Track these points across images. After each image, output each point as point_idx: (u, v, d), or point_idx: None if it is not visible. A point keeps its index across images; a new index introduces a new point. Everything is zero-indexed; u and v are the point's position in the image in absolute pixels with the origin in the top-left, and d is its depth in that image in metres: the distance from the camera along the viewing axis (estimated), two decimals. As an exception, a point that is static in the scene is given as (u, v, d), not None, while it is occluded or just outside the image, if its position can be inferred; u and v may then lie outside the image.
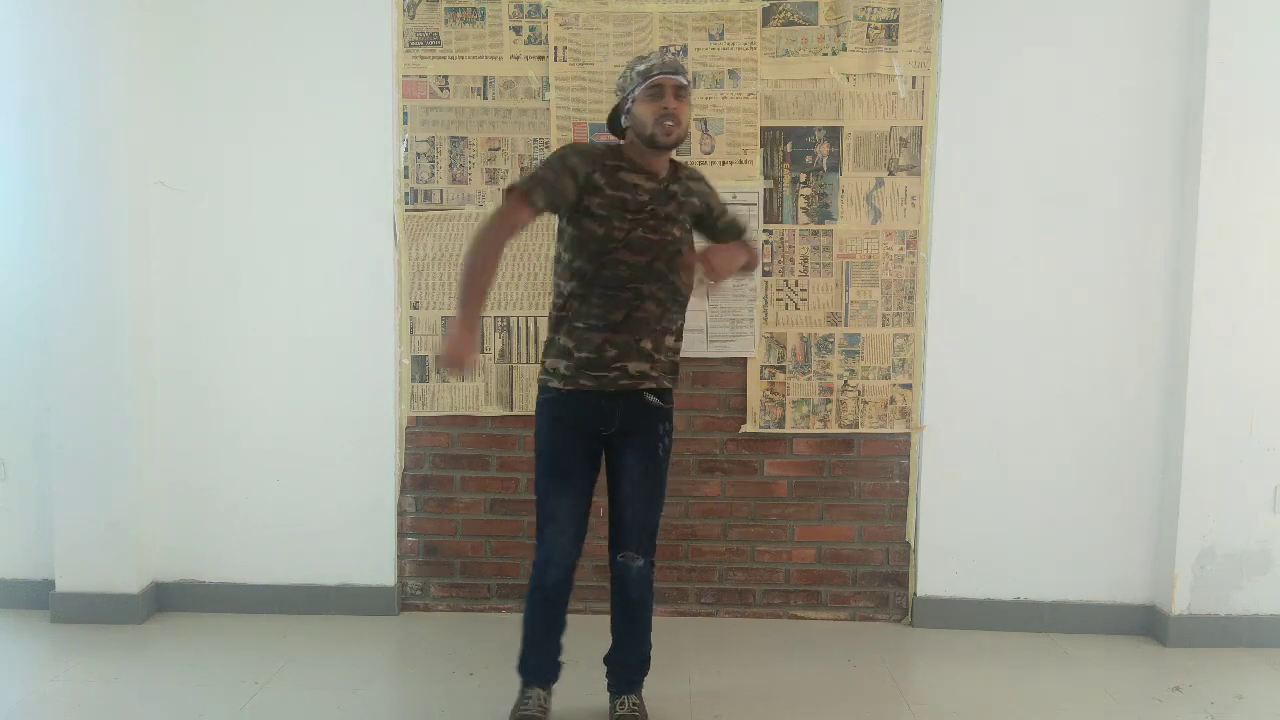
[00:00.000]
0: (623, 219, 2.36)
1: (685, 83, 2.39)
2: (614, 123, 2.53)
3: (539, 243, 3.34)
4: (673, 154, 2.50)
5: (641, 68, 2.38)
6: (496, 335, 3.41)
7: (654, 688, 2.73)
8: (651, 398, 2.48)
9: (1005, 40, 3.26)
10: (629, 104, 2.40)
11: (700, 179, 2.59)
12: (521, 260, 3.37)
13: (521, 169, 3.34)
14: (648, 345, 2.42)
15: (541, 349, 2.54)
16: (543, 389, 2.49)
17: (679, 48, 3.31)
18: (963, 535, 3.38)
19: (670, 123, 2.34)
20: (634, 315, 2.39)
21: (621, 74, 2.47)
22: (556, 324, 2.47)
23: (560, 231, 2.45)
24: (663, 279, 2.42)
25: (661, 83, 2.34)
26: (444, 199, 3.39)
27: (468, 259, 2.27)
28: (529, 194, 2.29)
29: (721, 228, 2.60)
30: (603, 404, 2.42)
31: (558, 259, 2.46)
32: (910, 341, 3.39)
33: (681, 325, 2.54)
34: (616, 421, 2.44)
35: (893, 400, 3.40)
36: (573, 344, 2.41)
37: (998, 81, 3.27)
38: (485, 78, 3.35)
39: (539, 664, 2.56)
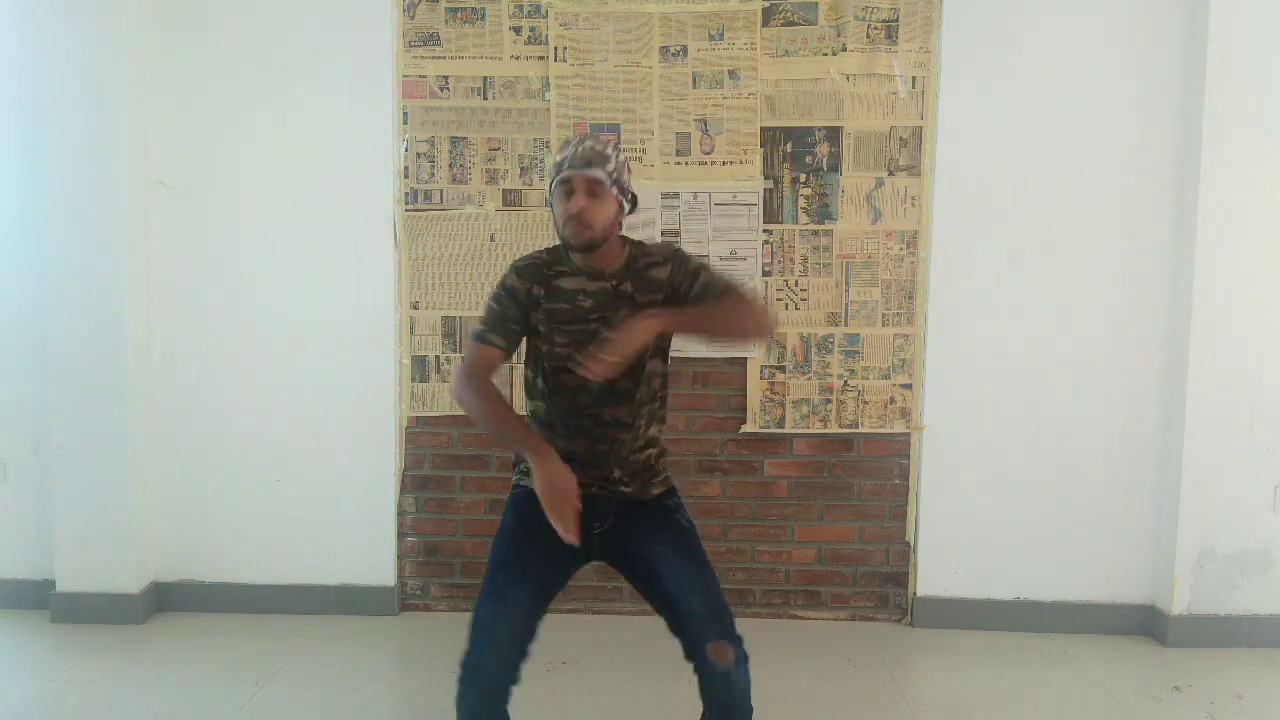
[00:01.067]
0: (564, 334, 2.04)
1: (601, 177, 2.00)
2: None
3: (540, 240, 3.34)
4: (625, 240, 2.13)
5: (557, 159, 2.06)
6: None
7: (654, 687, 2.73)
8: (653, 491, 2.12)
9: (1005, 40, 3.26)
10: (549, 198, 2.10)
11: (661, 260, 2.11)
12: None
13: (521, 170, 3.34)
14: (617, 474, 2.08)
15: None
16: (515, 486, 2.16)
17: (679, 48, 3.31)
18: (963, 535, 3.38)
19: (578, 226, 2.00)
20: (597, 449, 2.06)
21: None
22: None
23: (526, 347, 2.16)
24: (628, 399, 2.06)
25: (570, 180, 2.01)
26: (444, 199, 3.39)
27: (475, 416, 2.04)
28: (482, 337, 2.06)
29: (694, 299, 2.08)
30: (589, 501, 1.98)
31: (525, 371, 2.17)
32: (910, 341, 3.39)
33: (661, 430, 2.18)
34: (611, 516, 2.07)
35: (893, 400, 3.40)
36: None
37: (998, 81, 3.27)
38: (485, 78, 3.35)
39: None
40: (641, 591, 2.11)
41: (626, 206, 2.10)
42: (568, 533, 1.88)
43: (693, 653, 1.99)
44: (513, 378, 3.37)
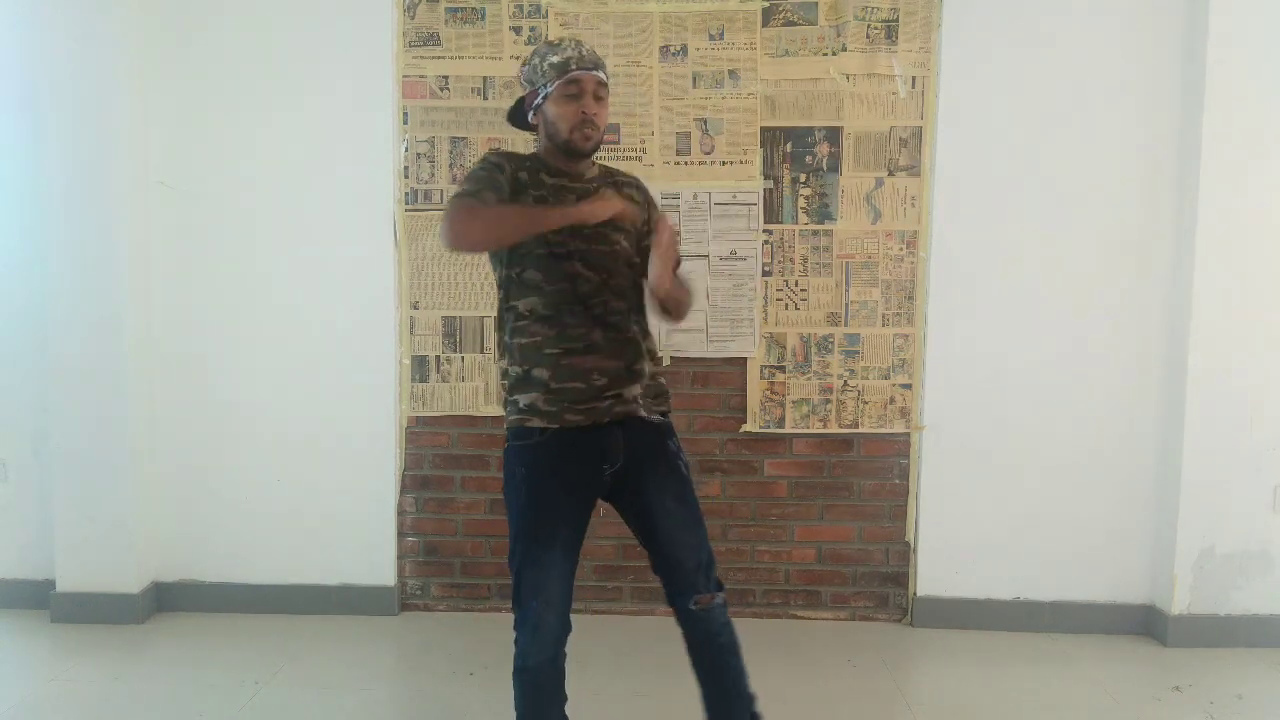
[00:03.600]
0: (555, 231, 1.98)
1: (606, 79, 2.05)
2: (517, 117, 2.18)
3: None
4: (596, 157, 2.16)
5: (556, 59, 2.00)
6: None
7: (654, 687, 2.73)
8: (655, 416, 2.11)
9: (1005, 40, 3.26)
10: (539, 100, 2.04)
11: (632, 184, 2.16)
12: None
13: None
14: (638, 366, 2.07)
15: (502, 385, 2.12)
16: (516, 434, 2.05)
17: (679, 47, 3.31)
18: (963, 535, 3.38)
19: (590, 129, 2.01)
20: (612, 337, 2.03)
21: (528, 62, 2.09)
22: (520, 352, 2.04)
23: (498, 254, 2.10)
24: (624, 295, 2.06)
25: (580, 80, 1.99)
26: (444, 199, 3.38)
27: (488, 230, 1.93)
28: (474, 194, 1.93)
29: (648, 249, 2.07)
30: (601, 436, 2.01)
31: (502, 277, 2.08)
32: (910, 341, 3.39)
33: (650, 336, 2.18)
34: (623, 452, 2.04)
35: (893, 400, 3.40)
36: (548, 374, 2.01)
37: (998, 81, 3.27)
38: (485, 78, 3.35)
39: None
40: (634, 529, 2.13)
41: None
42: (620, 209, 1.92)
43: (675, 599, 2.09)
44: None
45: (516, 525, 2.04)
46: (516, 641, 2.03)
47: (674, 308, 2.13)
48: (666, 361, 2.16)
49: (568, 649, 2.07)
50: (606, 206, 1.91)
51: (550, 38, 2.10)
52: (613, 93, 3.27)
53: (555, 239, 1.98)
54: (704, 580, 2.08)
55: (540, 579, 2.00)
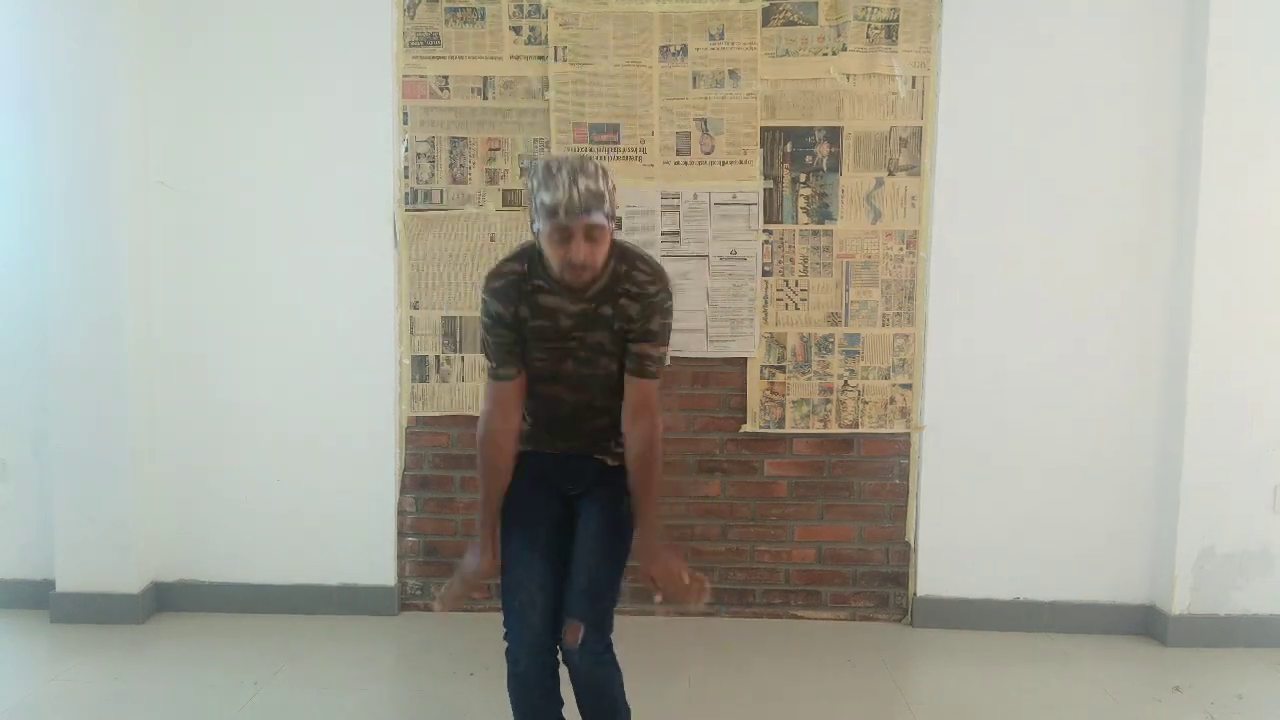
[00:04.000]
0: (543, 350, 2.06)
1: (602, 221, 1.90)
2: None
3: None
4: (611, 253, 2.02)
5: (546, 200, 1.88)
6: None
7: (654, 687, 2.73)
8: (613, 461, 2.20)
9: (1005, 40, 3.26)
10: (534, 224, 1.97)
11: (637, 295, 2.04)
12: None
13: (521, 170, 3.34)
14: (599, 458, 2.20)
15: None
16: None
17: (679, 47, 3.31)
18: (963, 535, 3.38)
19: (578, 272, 1.94)
20: (581, 445, 2.19)
21: (528, 173, 1.98)
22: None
23: None
24: (607, 414, 2.14)
25: (570, 227, 1.89)
26: (444, 199, 3.39)
27: (478, 451, 2.13)
28: (496, 374, 2.09)
29: (629, 352, 2.07)
30: (568, 462, 2.18)
31: None
32: (910, 341, 3.39)
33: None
34: (584, 479, 2.19)
35: (893, 400, 3.40)
36: (528, 435, 2.20)
37: (998, 81, 3.27)
38: (485, 78, 3.35)
39: None
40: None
41: (616, 226, 2.03)
42: (443, 604, 2.17)
43: (557, 616, 2.07)
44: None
45: (502, 528, 2.13)
46: (507, 651, 2.04)
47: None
48: (667, 362, 2.16)
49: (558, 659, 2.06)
50: (485, 560, 2.12)
51: (550, 162, 1.93)
52: (613, 93, 3.32)
53: (539, 363, 2.08)
54: (579, 605, 2.01)
55: (520, 577, 2.06)
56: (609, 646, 2.06)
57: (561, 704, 2.10)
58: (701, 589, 2.14)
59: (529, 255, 2.06)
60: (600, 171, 1.92)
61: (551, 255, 1.95)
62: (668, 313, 2.09)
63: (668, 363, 2.21)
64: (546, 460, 2.19)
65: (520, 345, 2.07)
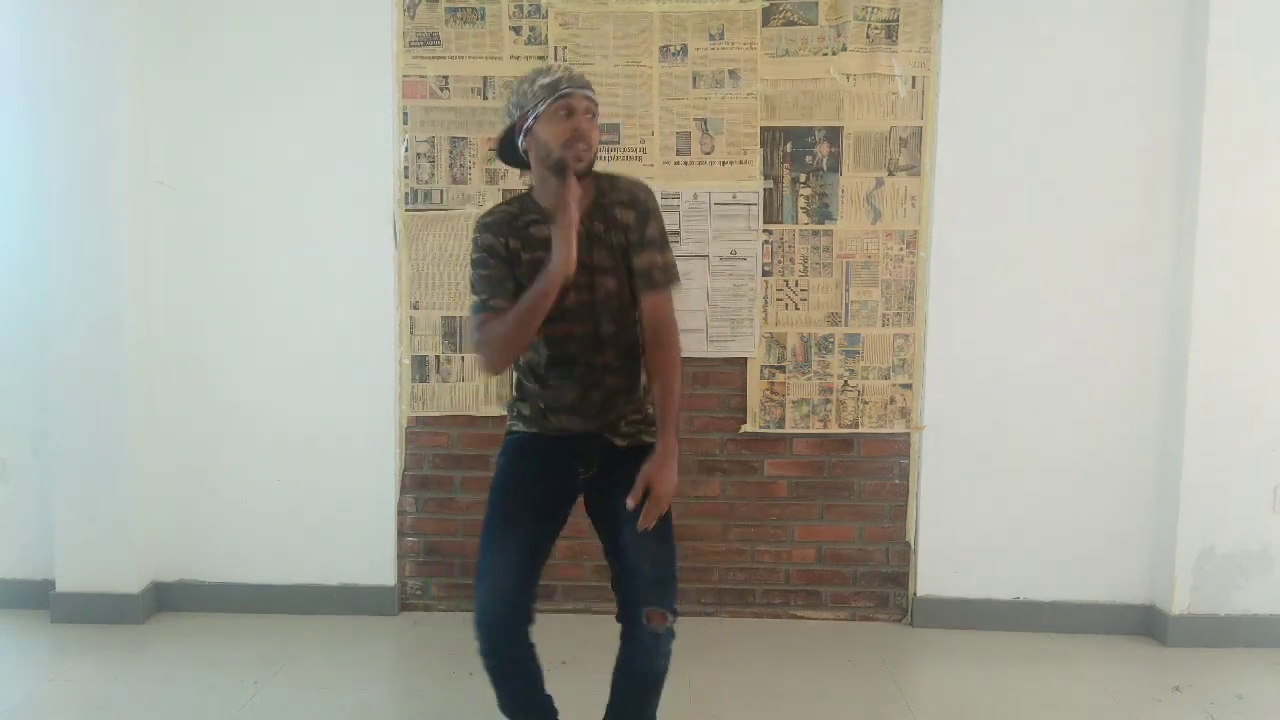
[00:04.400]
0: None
1: (596, 99, 2.03)
2: (506, 151, 2.13)
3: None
4: (591, 172, 2.06)
5: (546, 81, 1.98)
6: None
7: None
8: (622, 442, 2.14)
9: (1005, 40, 3.26)
10: (529, 123, 2.00)
11: (627, 200, 2.08)
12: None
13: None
14: (616, 420, 2.12)
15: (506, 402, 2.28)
16: (508, 432, 2.21)
17: (679, 47, 3.31)
18: (963, 535, 3.38)
19: (583, 146, 1.97)
20: (590, 396, 2.08)
21: (515, 89, 2.05)
22: (516, 388, 2.20)
23: None
24: (614, 344, 2.07)
25: (572, 97, 1.97)
26: (444, 199, 3.39)
27: (510, 338, 1.98)
28: (485, 305, 2.02)
29: (635, 269, 2.07)
30: (580, 444, 2.11)
31: None
32: (910, 341, 3.39)
33: (644, 383, 2.17)
34: (597, 459, 2.11)
35: (893, 400, 3.40)
36: (531, 415, 2.15)
37: (997, 81, 3.27)
38: (485, 78, 3.35)
39: None
40: (603, 540, 2.13)
41: None
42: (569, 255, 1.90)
43: (627, 612, 2.03)
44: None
45: (487, 510, 2.11)
46: (476, 635, 2.03)
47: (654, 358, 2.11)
48: (677, 276, 2.13)
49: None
50: (567, 253, 1.90)
51: (537, 65, 2.18)
52: (613, 93, 3.32)
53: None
54: (658, 594, 2.02)
55: (488, 564, 2.03)
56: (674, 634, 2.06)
57: (540, 676, 2.12)
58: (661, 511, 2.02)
59: (518, 198, 2.11)
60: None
61: (553, 135, 1.97)
62: (661, 219, 2.11)
63: (679, 278, 2.14)
64: (550, 445, 2.12)
65: (512, 282, 2.03)
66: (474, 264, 2.05)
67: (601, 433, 2.11)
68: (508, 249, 2.03)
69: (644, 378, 2.15)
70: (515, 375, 2.19)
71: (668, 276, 2.09)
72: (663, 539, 2.05)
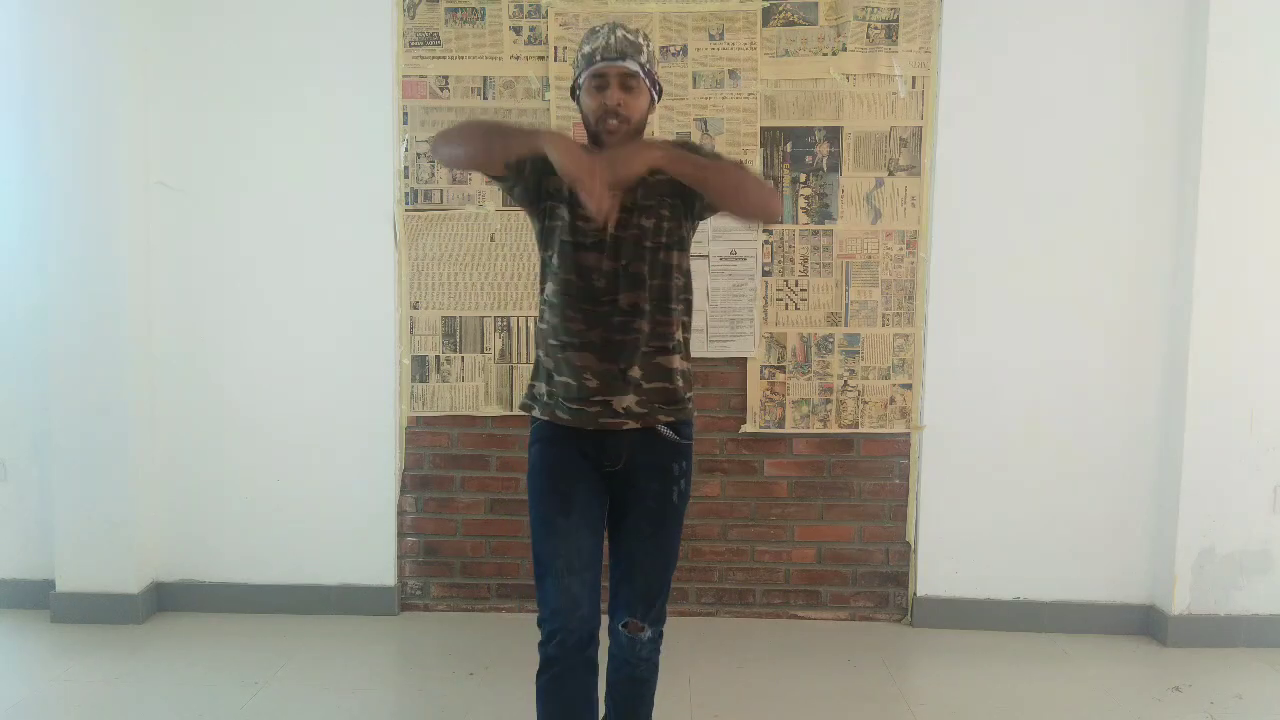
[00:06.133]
0: (582, 208, 1.87)
1: (635, 69, 1.92)
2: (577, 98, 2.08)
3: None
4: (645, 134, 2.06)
5: (586, 49, 1.95)
6: (496, 335, 3.41)
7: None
8: (666, 430, 2.01)
9: (1005, 41, 3.26)
10: (578, 89, 2.00)
11: (676, 142, 2.14)
12: (521, 259, 3.37)
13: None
14: (636, 374, 1.95)
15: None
16: (533, 420, 2.07)
17: (679, 47, 3.31)
18: (963, 535, 3.38)
19: (614, 121, 1.92)
20: (614, 338, 1.93)
21: (578, 49, 2.02)
22: (537, 336, 2.05)
23: (537, 230, 2.05)
24: (645, 285, 1.95)
25: (605, 72, 1.92)
26: (444, 199, 3.39)
27: (470, 139, 1.95)
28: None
29: (694, 177, 1.91)
30: (601, 440, 1.98)
31: (541, 260, 2.05)
32: (910, 341, 3.39)
33: (687, 340, 2.05)
34: (624, 456, 1.99)
35: (893, 400, 3.40)
36: (551, 365, 1.99)
37: (997, 82, 3.27)
38: (485, 78, 3.35)
39: None
40: (609, 538, 2.08)
41: (656, 98, 2.02)
42: (599, 201, 1.76)
43: (612, 614, 2.04)
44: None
45: (534, 504, 2.00)
46: (541, 644, 1.92)
47: (717, 191, 1.92)
48: (687, 365, 2.07)
49: (594, 656, 1.98)
50: (599, 203, 1.78)
51: (594, 25, 2.10)
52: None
53: (578, 224, 1.94)
54: (643, 609, 2.01)
55: (558, 550, 1.92)
56: (662, 636, 2.06)
57: (598, 710, 2.03)
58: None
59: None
60: (640, 32, 1.99)
61: (589, 108, 1.96)
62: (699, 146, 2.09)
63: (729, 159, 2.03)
64: (572, 437, 1.98)
65: (527, 168, 1.95)
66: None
67: (614, 394, 1.94)
68: (538, 172, 1.95)
69: (680, 341, 2.03)
70: (536, 351, 2.05)
71: (730, 160, 2.01)
72: (663, 547, 2.03)
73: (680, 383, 2.01)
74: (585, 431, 1.97)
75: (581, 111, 2.01)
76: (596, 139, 1.97)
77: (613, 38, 1.92)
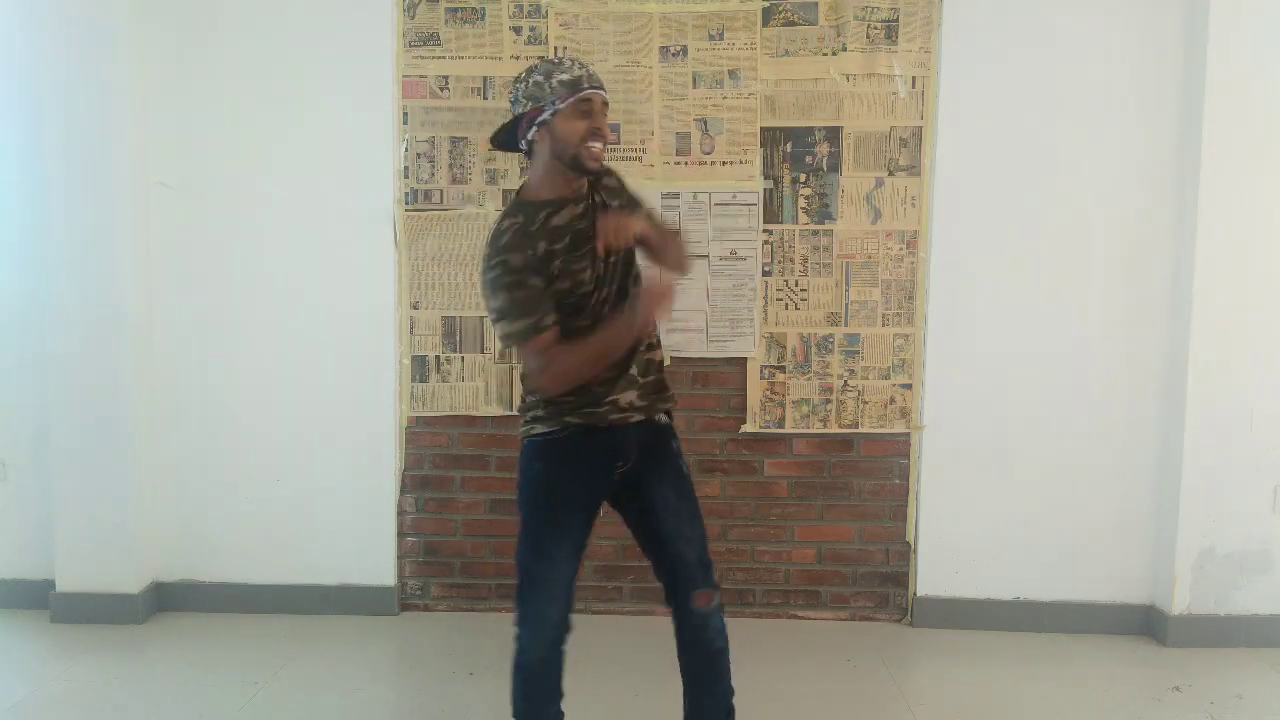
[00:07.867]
0: (581, 259, 2.05)
1: (607, 99, 2.11)
2: (505, 138, 2.14)
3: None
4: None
5: (566, 77, 2.01)
6: (496, 335, 3.41)
7: (654, 687, 2.73)
8: (662, 418, 2.20)
9: (1005, 40, 3.26)
10: (545, 116, 2.02)
11: (607, 172, 2.20)
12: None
13: (521, 170, 3.33)
14: (634, 371, 2.11)
15: (519, 401, 2.26)
16: (528, 436, 2.17)
17: (679, 48, 3.31)
18: (963, 535, 3.38)
19: (598, 145, 2.03)
20: (638, 362, 2.14)
21: (523, 80, 2.06)
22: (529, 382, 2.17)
23: None
24: (629, 296, 2.11)
25: (592, 99, 2.02)
26: (444, 199, 3.39)
27: (587, 366, 2.03)
28: (536, 326, 1.99)
29: (659, 245, 2.18)
30: (611, 436, 2.10)
31: None
32: (910, 341, 3.39)
33: (657, 332, 2.23)
34: (634, 451, 2.14)
35: (893, 400, 3.40)
36: (569, 406, 2.12)
37: (998, 82, 3.27)
38: (485, 78, 3.35)
39: None
40: (636, 528, 2.21)
41: None
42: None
43: (676, 595, 2.16)
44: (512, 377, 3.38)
45: (528, 519, 2.13)
46: (517, 637, 2.10)
47: (673, 259, 2.17)
48: (667, 361, 2.16)
49: (567, 648, 2.12)
50: (661, 294, 1.99)
51: (547, 57, 2.22)
52: (613, 93, 3.30)
53: (582, 273, 2.06)
54: (703, 574, 2.16)
55: (548, 572, 2.09)
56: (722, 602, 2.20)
57: (562, 696, 2.16)
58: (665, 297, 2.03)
59: (515, 206, 2.09)
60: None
61: (572, 131, 2.02)
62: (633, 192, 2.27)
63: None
64: (583, 441, 2.10)
65: (550, 290, 2.03)
66: (508, 288, 1.99)
67: (619, 392, 2.10)
68: (537, 258, 2.01)
69: (657, 334, 2.22)
70: (524, 389, 2.21)
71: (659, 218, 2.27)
72: (695, 515, 2.18)
73: (665, 374, 2.22)
74: (596, 431, 2.09)
75: (549, 138, 2.04)
76: (576, 164, 2.04)
77: (589, 69, 2.07)
